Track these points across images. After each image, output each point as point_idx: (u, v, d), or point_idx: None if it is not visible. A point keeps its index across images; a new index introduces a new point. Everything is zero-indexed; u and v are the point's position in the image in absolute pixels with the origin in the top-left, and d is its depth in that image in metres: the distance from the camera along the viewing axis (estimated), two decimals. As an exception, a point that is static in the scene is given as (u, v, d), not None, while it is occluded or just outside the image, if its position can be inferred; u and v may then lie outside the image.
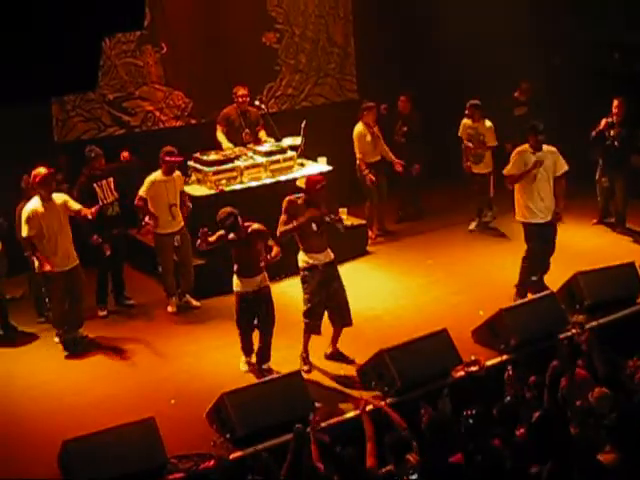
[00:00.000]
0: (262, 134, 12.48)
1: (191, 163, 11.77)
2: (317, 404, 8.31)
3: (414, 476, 6.37)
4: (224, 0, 13.73)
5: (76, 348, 10.14)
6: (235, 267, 9.08)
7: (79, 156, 10.94)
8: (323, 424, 7.80)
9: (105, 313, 11.02)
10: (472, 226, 13.27)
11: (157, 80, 13.45)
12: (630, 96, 12.55)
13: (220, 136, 12.29)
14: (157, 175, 10.75)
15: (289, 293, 9.98)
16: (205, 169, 11.53)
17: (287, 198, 9.19)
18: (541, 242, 10.54)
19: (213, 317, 10.72)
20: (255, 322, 9.18)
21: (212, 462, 7.37)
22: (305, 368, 9.18)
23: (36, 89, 2.89)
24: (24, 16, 2.70)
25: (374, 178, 12.83)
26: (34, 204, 9.75)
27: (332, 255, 9.21)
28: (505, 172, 10.58)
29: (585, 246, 12.32)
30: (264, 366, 9.22)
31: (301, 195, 9.22)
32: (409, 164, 13.28)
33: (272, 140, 12.31)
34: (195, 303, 11.10)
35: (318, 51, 14.93)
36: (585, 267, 10.35)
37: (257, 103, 12.51)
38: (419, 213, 14.01)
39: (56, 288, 10.04)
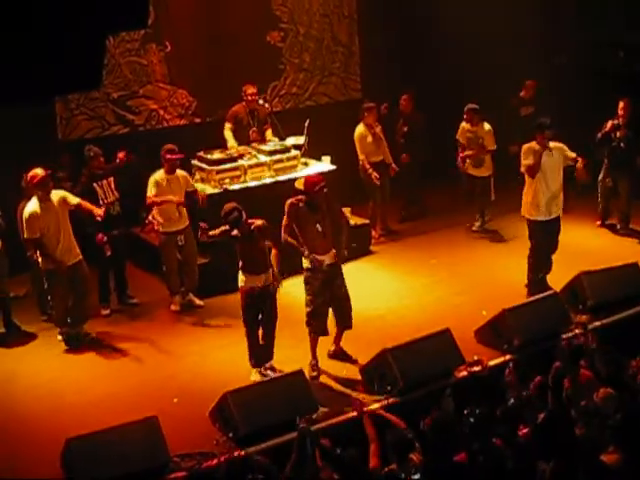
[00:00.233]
0: (268, 133, 12.48)
1: (195, 162, 11.77)
2: (322, 409, 8.26)
3: (417, 476, 6.37)
4: (228, -1, 13.76)
5: (78, 344, 10.17)
6: (240, 263, 9.08)
7: (83, 154, 10.94)
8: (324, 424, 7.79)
9: (108, 312, 11.03)
10: (475, 226, 13.26)
11: (161, 79, 13.46)
12: (631, 96, 12.52)
13: (227, 133, 12.27)
14: (160, 174, 10.75)
15: (292, 292, 9.97)
16: (209, 168, 11.54)
17: (288, 201, 9.14)
18: (545, 239, 10.56)
19: (216, 316, 10.72)
20: (259, 318, 9.15)
21: (215, 461, 7.37)
22: (313, 374, 9.12)
23: (41, 88, 2.89)
24: (27, 15, 2.70)
25: (378, 177, 12.80)
26: (32, 206, 9.76)
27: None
28: (523, 168, 10.53)
29: (588, 246, 12.31)
30: (267, 365, 9.20)
31: (301, 197, 9.16)
32: (410, 163, 13.24)
33: (276, 139, 12.32)
34: (198, 302, 11.10)
35: (322, 50, 14.93)
36: (588, 267, 10.33)
37: (261, 102, 12.49)
38: (422, 212, 14.00)
39: (58, 284, 10.06)
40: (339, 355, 9.46)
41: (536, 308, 9.73)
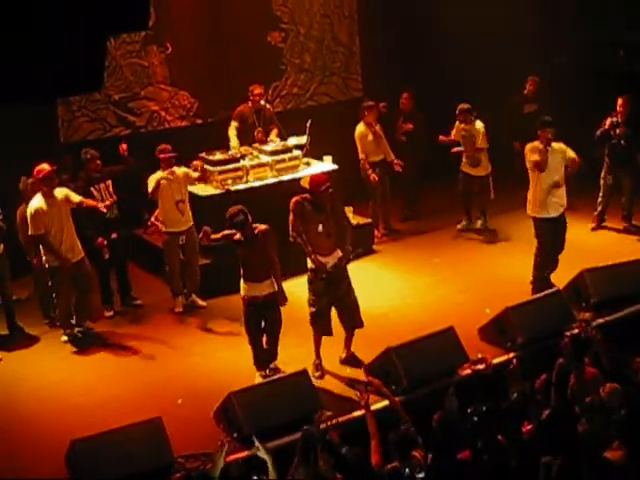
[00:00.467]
0: (273, 133, 12.48)
1: (197, 163, 11.78)
2: (327, 413, 8.24)
3: (421, 474, 6.38)
4: (229, 0, 13.73)
5: (84, 342, 10.23)
6: (242, 271, 9.01)
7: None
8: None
9: (111, 314, 11.05)
10: (478, 225, 13.25)
11: (162, 80, 13.47)
12: (631, 95, 12.51)
13: (231, 132, 12.25)
14: (159, 174, 10.76)
15: (295, 293, 9.98)
16: (211, 168, 11.55)
17: (293, 199, 9.11)
18: (551, 237, 10.57)
19: (219, 316, 10.73)
20: (262, 325, 9.11)
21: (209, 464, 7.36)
22: (317, 374, 9.10)
23: (43, 90, 2.90)
24: (27, 16, 2.70)
25: (377, 177, 12.81)
26: (37, 202, 9.86)
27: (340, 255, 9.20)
28: (529, 165, 10.50)
29: (591, 244, 12.30)
30: (271, 365, 9.18)
31: (306, 195, 9.13)
32: (410, 162, 13.24)
33: (278, 139, 12.33)
34: (201, 303, 11.11)
35: (323, 50, 14.94)
36: (591, 265, 10.33)
37: (262, 102, 12.51)
38: (416, 214, 13.97)
39: (62, 281, 10.13)
40: (350, 361, 9.42)
41: (539, 306, 9.73)
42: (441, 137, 13.25)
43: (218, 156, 11.73)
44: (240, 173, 11.57)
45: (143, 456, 7.46)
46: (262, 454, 6.81)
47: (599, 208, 12.94)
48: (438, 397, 7.77)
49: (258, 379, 9.00)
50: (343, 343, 9.46)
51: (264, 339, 9.14)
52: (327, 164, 12.25)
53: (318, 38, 14.85)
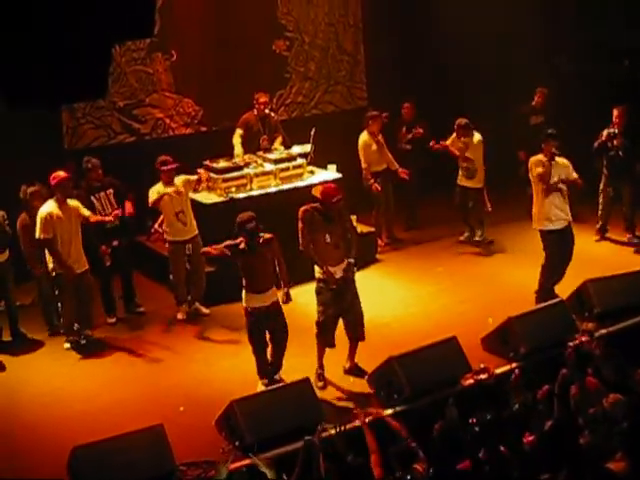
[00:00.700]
0: (277, 141, 12.48)
1: (201, 170, 11.77)
2: (328, 425, 8.19)
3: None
4: (234, 8, 13.76)
5: (86, 349, 10.26)
6: (244, 282, 8.95)
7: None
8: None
9: (114, 320, 11.06)
10: (477, 236, 13.19)
11: (167, 87, 13.50)
12: (629, 106, 12.50)
13: (236, 140, 12.24)
14: (159, 187, 10.76)
15: (298, 301, 9.98)
16: (215, 176, 11.55)
17: (302, 208, 9.04)
18: (558, 249, 10.57)
19: (222, 324, 10.72)
20: (267, 336, 9.07)
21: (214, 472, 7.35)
22: (320, 384, 9.06)
23: (48, 96, 2.90)
24: (32, 23, 2.71)
25: (380, 187, 12.79)
26: (49, 207, 9.92)
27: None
28: (533, 178, 10.53)
29: (595, 254, 12.29)
30: (275, 376, 9.14)
31: (316, 205, 9.05)
32: (413, 171, 13.23)
33: (282, 148, 12.33)
34: (204, 311, 11.11)
35: (328, 59, 14.97)
36: (595, 275, 10.32)
37: (267, 111, 12.52)
38: (419, 224, 13.96)
39: (67, 291, 10.15)
40: (354, 371, 9.40)
41: (542, 316, 9.71)
42: (434, 144, 13.16)
43: (222, 164, 11.74)
44: (244, 181, 11.58)
45: (144, 463, 7.44)
46: (262, 469, 6.79)
47: (600, 221, 12.92)
48: (440, 407, 7.76)
49: (260, 387, 8.98)
50: (347, 353, 9.44)
51: (269, 350, 9.11)
52: (331, 173, 12.25)
53: (323, 47, 14.88)
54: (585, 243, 12.38)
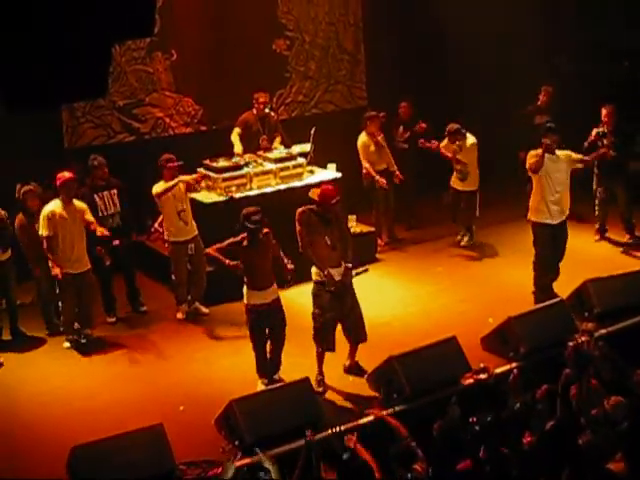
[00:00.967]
0: (277, 141, 12.48)
1: (201, 170, 11.78)
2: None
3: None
4: (234, 7, 13.75)
5: (86, 347, 10.27)
6: (245, 279, 8.96)
7: (88, 163, 10.97)
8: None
9: (114, 319, 11.06)
10: (464, 242, 13.14)
11: (167, 87, 13.49)
12: (632, 104, 12.50)
13: (234, 137, 12.25)
14: (161, 185, 10.75)
15: (298, 301, 9.98)
16: (215, 176, 11.55)
17: (299, 209, 9.03)
18: (549, 244, 10.56)
19: (222, 324, 10.72)
20: (267, 333, 9.08)
21: (220, 469, 7.35)
22: (320, 390, 9.03)
23: (47, 96, 2.90)
24: (32, 22, 2.71)
25: (385, 182, 12.74)
26: (54, 205, 9.98)
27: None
28: (528, 167, 10.54)
29: (595, 254, 12.30)
30: (274, 376, 9.14)
31: (314, 207, 9.03)
32: (412, 171, 13.20)
33: (282, 147, 12.33)
34: (204, 310, 11.11)
35: (328, 58, 14.96)
36: (594, 275, 10.32)
37: (267, 110, 12.52)
38: (420, 223, 13.96)
39: (68, 290, 10.17)
40: (354, 370, 9.40)
41: (542, 316, 9.71)
42: (423, 142, 13.11)
43: (222, 163, 11.73)
44: (244, 180, 11.58)
45: (144, 462, 7.44)
46: (267, 464, 6.79)
47: (598, 222, 12.90)
48: (440, 406, 7.76)
49: (260, 386, 8.99)
50: (347, 353, 9.43)
51: (268, 347, 9.12)
52: (331, 172, 12.24)
53: (323, 46, 14.87)
54: (585, 243, 12.41)
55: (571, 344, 8.56)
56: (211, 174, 11.59)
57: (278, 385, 8.77)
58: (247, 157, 11.98)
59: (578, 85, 14.90)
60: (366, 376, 9.05)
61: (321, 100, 15.00)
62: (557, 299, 10.11)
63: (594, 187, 12.78)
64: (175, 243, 10.91)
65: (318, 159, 12.22)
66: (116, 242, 10.84)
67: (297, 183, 11.77)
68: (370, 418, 7.88)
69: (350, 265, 9.14)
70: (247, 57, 13.83)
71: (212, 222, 10.97)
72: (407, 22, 14.94)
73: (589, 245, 12.54)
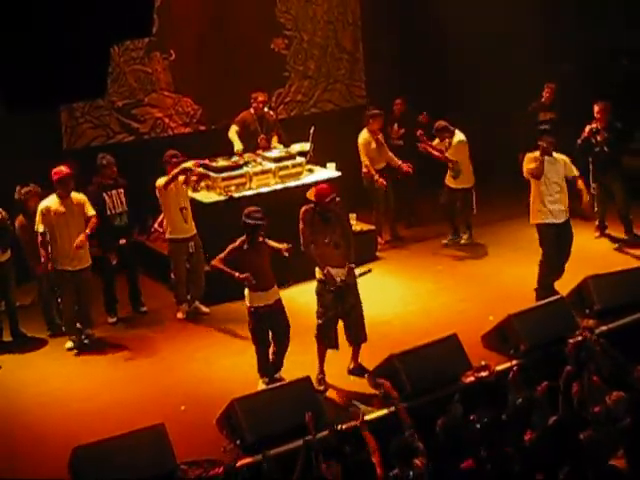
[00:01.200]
0: (274, 140, 12.48)
1: (200, 169, 11.76)
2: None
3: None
4: (233, 7, 13.76)
5: (88, 347, 10.28)
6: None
7: (88, 163, 10.97)
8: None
9: (114, 320, 11.05)
10: (464, 240, 13.11)
11: (166, 87, 13.49)
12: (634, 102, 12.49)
13: (232, 135, 12.18)
14: (164, 180, 10.73)
15: (298, 299, 9.98)
16: (214, 175, 11.54)
17: (303, 208, 9.04)
18: (555, 244, 10.56)
19: (222, 323, 10.72)
20: (269, 334, 9.06)
21: (222, 469, 7.36)
22: (321, 388, 9.01)
23: (46, 96, 2.90)
24: (31, 23, 2.71)
25: (385, 182, 12.74)
26: (50, 201, 9.98)
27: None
28: (525, 174, 10.54)
29: (595, 251, 12.29)
30: (276, 375, 9.14)
31: (313, 206, 9.04)
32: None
33: (281, 146, 12.33)
34: (204, 309, 11.11)
35: (327, 57, 14.96)
36: (595, 272, 10.32)
37: (266, 110, 12.51)
38: (420, 221, 13.95)
39: (67, 287, 10.19)
40: (358, 371, 9.38)
41: (542, 313, 9.72)
42: (420, 145, 13.08)
43: (221, 163, 11.73)
44: (243, 180, 11.57)
45: (146, 463, 7.44)
46: None
47: (597, 218, 12.87)
48: (441, 404, 7.77)
49: (261, 385, 8.99)
50: (347, 353, 9.42)
51: (271, 349, 9.11)
52: (330, 171, 12.24)
53: (322, 45, 14.88)
54: (585, 240, 12.38)
55: (572, 341, 8.57)
56: (210, 174, 11.59)
57: (279, 384, 8.77)
58: (246, 156, 11.97)
59: (578, 85, 14.89)
60: (367, 375, 9.05)
61: (320, 99, 15.00)
62: (557, 296, 10.12)
63: (591, 184, 12.76)
64: (175, 241, 10.89)
65: (317, 158, 12.22)
66: (122, 241, 10.85)
67: (296, 182, 11.77)
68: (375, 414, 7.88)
69: (353, 265, 9.14)
70: (246, 56, 13.83)
71: (212, 222, 10.98)
72: (406, 21, 14.96)
73: (589, 242, 12.52)
